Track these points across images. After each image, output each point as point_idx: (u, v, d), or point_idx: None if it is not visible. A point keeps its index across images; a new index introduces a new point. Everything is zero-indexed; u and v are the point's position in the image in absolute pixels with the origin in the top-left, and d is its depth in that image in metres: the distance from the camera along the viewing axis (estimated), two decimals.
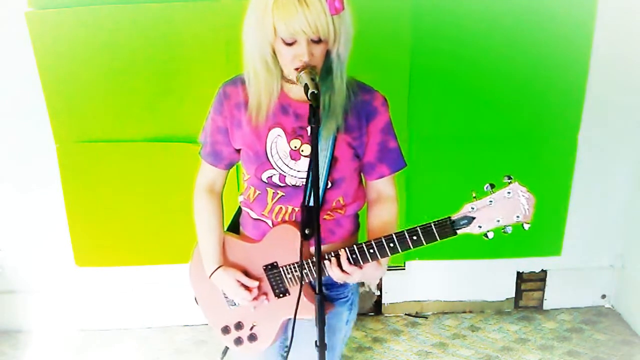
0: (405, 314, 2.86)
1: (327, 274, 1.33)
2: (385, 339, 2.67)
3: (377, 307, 2.86)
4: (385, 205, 1.44)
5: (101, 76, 2.22)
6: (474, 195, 1.21)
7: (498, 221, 1.20)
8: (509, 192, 1.18)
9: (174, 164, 2.29)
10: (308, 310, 1.38)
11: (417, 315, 2.85)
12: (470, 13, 2.19)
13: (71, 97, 2.25)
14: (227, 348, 1.57)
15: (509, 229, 1.21)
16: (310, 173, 1.27)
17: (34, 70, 2.20)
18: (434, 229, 1.22)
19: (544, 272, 2.82)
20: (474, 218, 1.20)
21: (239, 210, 1.54)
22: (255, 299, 1.42)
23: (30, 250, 2.66)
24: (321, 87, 1.21)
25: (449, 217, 1.22)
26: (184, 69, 2.20)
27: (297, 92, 1.32)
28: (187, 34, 2.16)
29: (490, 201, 1.19)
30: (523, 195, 1.18)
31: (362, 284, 2.81)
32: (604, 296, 2.87)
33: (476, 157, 2.38)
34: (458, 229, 1.21)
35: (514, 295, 2.85)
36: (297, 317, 1.38)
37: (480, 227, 1.21)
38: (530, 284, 2.84)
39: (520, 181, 1.21)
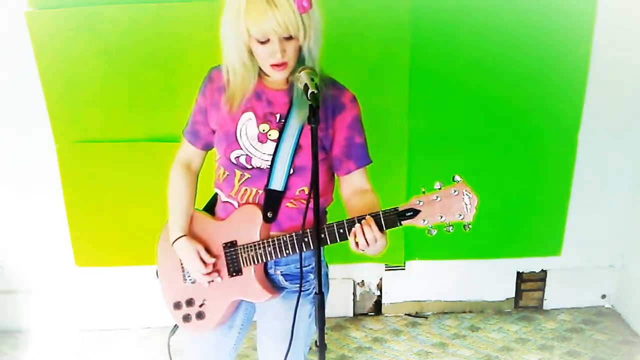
0: (405, 314, 2.86)
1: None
2: (385, 339, 2.67)
3: (377, 307, 2.86)
4: (364, 195, 1.45)
5: (101, 76, 2.22)
6: (423, 190, 1.26)
7: (441, 217, 1.25)
8: (454, 191, 1.24)
9: None
10: (257, 294, 1.47)
11: (417, 315, 2.85)
12: (471, 13, 2.19)
13: (71, 97, 2.25)
14: (176, 326, 1.64)
15: (451, 229, 1.26)
16: (276, 158, 1.39)
17: (34, 70, 2.20)
18: (381, 217, 1.27)
19: (544, 272, 2.82)
20: (419, 211, 1.26)
21: (215, 196, 1.61)
22: (209, 274, 1.49)
23: (30, 250, 2.66)
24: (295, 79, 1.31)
25: (396, 208, 1.27)
26: (184, 69, 2.19)
27: (272, 81, 1.42)
28: (187, 33, 2.16)
29: (437, 197, 1.25)
30: (467, 195, 1.24)
31: (362, 283, 2.81)
32: (604, 296, 2.87)
33: (476, 157, 2.38)
34: (403, 219, 1.26)
35: (514, 295, 2.85)
36: (246, 299, 1.50)
37: (424, 220, 1.26)
38: (530, 284, 2.84)
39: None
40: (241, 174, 1.44)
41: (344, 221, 1.31)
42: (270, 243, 1.41)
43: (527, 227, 2.51)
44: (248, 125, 1.42)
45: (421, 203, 1.26)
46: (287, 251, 1.40)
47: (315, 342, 1.32)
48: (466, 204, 1.24)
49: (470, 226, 1.24)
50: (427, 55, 2.23)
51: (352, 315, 2.85)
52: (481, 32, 2.21)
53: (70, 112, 2.28)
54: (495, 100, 2.30)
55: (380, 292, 2.84)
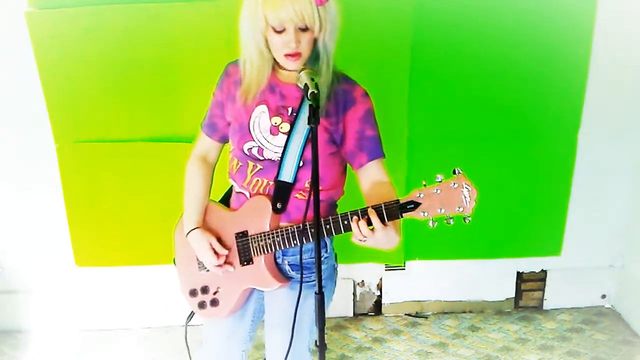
0: (405, 314, 2.86)
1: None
2: (385, 339, 2.67)
3: (377, 307, 2.86)
4: (379, 187, 1.45)
5: (101, 76, 2.22)
6: (424, 183, 1.27)
7: (440, 210, 1.26)
8: (454, 184, 1.25)
9: (174, 164, 2.27)
10: (267, 282, 1.51)
11: (417, 315, 2.85)
12: (471, 14, 2.19)
13: (71, 97, 2.25)
14: (192, 313, 1.69)
15: (452, 221, 1.27)
16: (287, 151, 1.42)
17: (34, 70, 2.20)
18: (383, 209, 1.29)
19: (544, 272, 2.82)
20: (420, 204, 1.27)
21: (232, 188, 1.63)
22: (221, 265, 1.54)
23: (30, 250, 2.66)
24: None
25: (398, 200, 1.29)
26: (184, 68, 2.20)
27: (286, 75, 1.46)
28: (187, 33, 2.16)
29: (437, 190, 1.26)
30: (466, 188, 1.25)
31: (362, 283, 2.81)
32: (604, 296, 2.87)
33: (476, 157, 2.38)
34: (404, 212, 1.28)
35: (514, 295, 2.86)
36: (257, 287, 1.55)
37: (424, 213, 1.27)
38: (530, 284, 2.84)
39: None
40: (253, 165, 1.48)
41: (348, 213, 1.33)
42: (279, 233, 1.44)
43: (527, 227, 2.51)
44: (261, 118, 1.46)
45: (421, 196, 1.27)
46: (295, 241, 1.43)
47: (315, 342, 1.32)
48: (465, 197, 1.25)
49: (469, 218, 1.25)
50: (427, 55, 2.23)
51: (352, 315, 2.85)
52: (481, 32, 2.20)
53: (70, 112, 2.28)
54: (495, 100, 2.30)
55: (380, 292, 2.84)
